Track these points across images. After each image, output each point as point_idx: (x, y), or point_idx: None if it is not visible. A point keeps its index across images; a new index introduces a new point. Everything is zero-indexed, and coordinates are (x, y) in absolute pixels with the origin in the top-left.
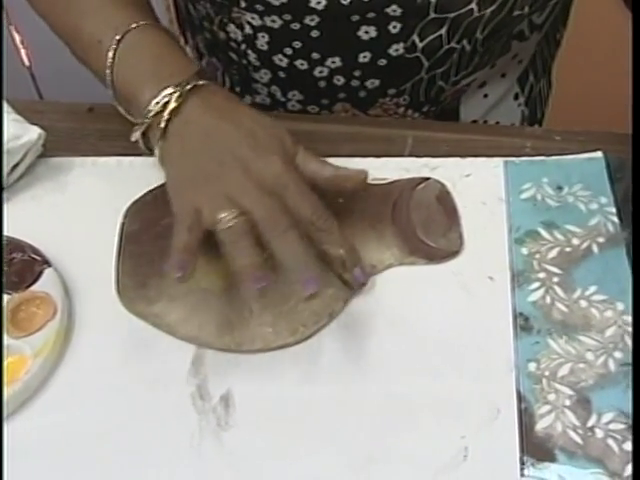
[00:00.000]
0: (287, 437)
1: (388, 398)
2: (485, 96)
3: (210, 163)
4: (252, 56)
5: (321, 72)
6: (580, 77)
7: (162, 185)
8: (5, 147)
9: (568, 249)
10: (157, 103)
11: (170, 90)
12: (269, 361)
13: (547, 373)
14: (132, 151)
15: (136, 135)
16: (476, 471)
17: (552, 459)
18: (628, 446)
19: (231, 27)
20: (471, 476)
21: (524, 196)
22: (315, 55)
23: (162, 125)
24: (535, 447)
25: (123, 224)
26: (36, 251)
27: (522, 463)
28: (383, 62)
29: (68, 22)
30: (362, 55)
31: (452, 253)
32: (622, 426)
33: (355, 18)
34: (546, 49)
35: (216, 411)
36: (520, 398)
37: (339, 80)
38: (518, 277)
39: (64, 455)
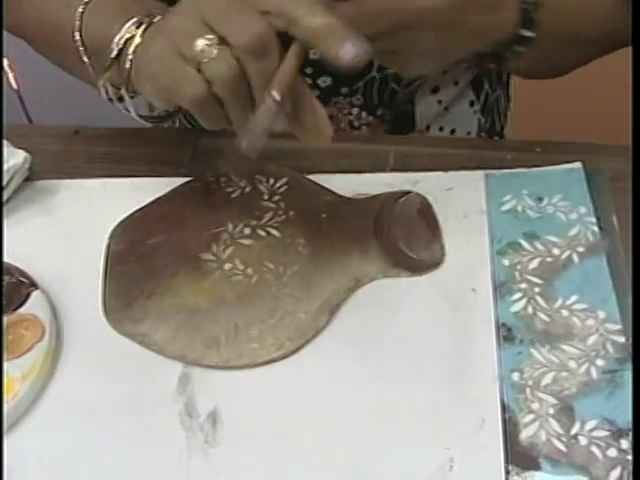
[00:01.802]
0: (274, 453)
1: (373, 411)
2: (439, 102)
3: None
4: None
5: None
6: (566, 86)
7: (147, 206)
8: None
9: (549, 259)
10: (121, 38)
11: (134, 20)
12: (256, 377)
13: (530, 382)
14: (118, 173)
15: (101, 82)
16: None
17: (537, 467)
18: (612, 453)
19: None
20: None
21: (505, 208)
22: None
23: (127, 65)
24: (520, 456)
25: (109, 245)
26: (23, 274)
27: (507, 472)
28: None
29: (34, 14)
30: (312, 51)
31: (435, 264)
32: (605, 433)
33: None
34: None
35: (203, 428)
36: (504, 408)
37: None
38: (500, 288)
39: (53, 476)
